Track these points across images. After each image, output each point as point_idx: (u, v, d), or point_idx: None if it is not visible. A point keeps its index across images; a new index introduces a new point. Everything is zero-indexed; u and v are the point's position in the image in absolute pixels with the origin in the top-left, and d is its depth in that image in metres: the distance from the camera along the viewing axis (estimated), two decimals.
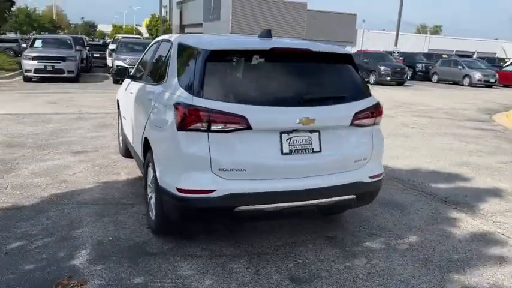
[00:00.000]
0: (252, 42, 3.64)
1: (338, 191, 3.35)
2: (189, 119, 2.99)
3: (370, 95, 3.60)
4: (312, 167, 3.26)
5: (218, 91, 3.09)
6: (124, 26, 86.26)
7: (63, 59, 15.56)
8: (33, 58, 15.30)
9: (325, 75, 3.51)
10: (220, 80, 3.17)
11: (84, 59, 19.70)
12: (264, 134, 3.10)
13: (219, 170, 3.03)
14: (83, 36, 32.13)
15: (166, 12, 55.81)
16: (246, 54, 3.22)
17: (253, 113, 3.02)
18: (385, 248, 3.71)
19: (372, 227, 4.15)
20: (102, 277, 3.05)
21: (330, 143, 3.31)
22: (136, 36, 37.37)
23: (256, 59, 3.20)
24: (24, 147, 6.50)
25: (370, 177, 3.55)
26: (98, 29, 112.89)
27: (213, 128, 2.98)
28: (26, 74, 15.39)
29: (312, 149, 3.24)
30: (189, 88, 3.14)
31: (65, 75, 15.61)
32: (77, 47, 17.38)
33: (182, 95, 3.14)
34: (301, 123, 3.12)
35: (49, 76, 15.39)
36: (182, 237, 3.71)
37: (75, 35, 29.84)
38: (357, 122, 3.39)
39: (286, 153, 3.15)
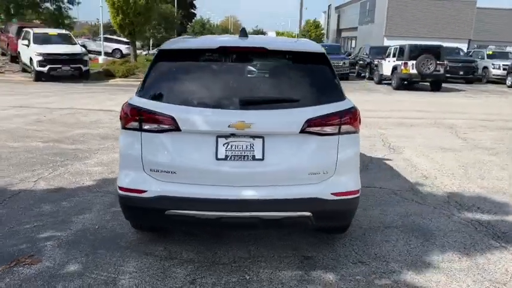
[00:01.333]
0: (209, 41, 3.53)
1: (285, 205, 2.97)
2: (126, 118, 3.04)
3: (341, 99, 3.10)
4: (251, 175, 2.96)
5: (157, 91, 3.06)
6: (285, 32, 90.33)
7: None
8: None
9: (280, 76, 3.17)
10: (163, 80, 3.12)
11: None
12: (197, 137, 2.95)
13: (150, 170, 3.00)
14: None
15: (327, 16, 56.51)
16: (195, 54, 3.11)
17: (181, 113, 2.90)
18: (360, 281, 3.14)
19: (367, 253, 3.55)
20: (54, 260, 3.30)
21: (276, 152, 2.96)
22: None
23: (206, 57, 3.08)
24: (114, 139, 7.35)
25: (334, 194, 3.05)
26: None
27: (144, 127, 2.96)
28: None
29: (253, 156, 2.94)
30: (139, 89, 3.19)
31: None
32: None
33: (133, 96, 3.19)
34: (234, 127, 2.86)
35: None
36: (160, 234, 3.77)
37: None
38: (310, 129, 2.95)
39: (221, 159, 2.93)
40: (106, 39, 31.93)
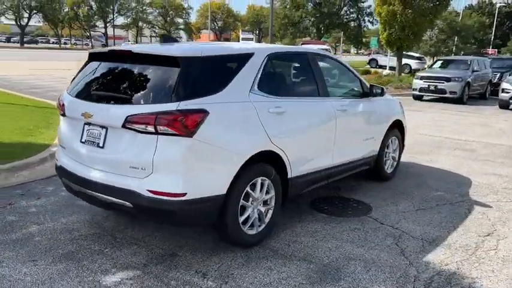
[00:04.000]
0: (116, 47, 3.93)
1: (112, 192, 3.22)
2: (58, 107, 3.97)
3: (171, 100, 3.04)
4: (95, 160, 3.36)
5: (72, 86, 3.81)
6: None
7: (448, 80, 15.52)
8: (421, 78, 16.20)
9: (131, 76, 3.37)
10: (77, 78, 3.84)
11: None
12: (73, 121, 3.57)
13: (60, 146, 3.85)
14: None
15: None
16: (101, 56, 3.75)
17: (65, 102, 3.63)
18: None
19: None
20: (19, 213, 4.53)
21: (111, 142, 3.26)
22: None
23: (103, 58, 3.69)
24: None
25: (150, 191, 3.06)
26: None
27: (60, 112, 3.84)
28: (413, 92, 16.54)
29: (98, 143, 3.34)
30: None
31: (446, 95, 15.56)
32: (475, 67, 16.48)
33: None
34: (83, 116, 3.37)
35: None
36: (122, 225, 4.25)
37: None
38: (129, 125, 3.08)
39: (82, 142, 3.48)
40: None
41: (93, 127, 3.41)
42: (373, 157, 5.35)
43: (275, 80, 4.04)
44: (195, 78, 3.23)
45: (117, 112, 3.21)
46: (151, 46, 3.91)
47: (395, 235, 4.04)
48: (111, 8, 71.27)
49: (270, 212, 3.82)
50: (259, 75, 3.68)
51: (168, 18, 77.35)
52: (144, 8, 75.29)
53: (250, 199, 3.59)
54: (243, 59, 3.64)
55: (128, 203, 3.19)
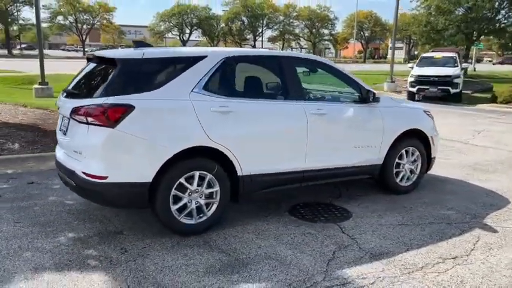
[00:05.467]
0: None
1: (66, 172, 3.88)
2: None
3: (107, 95, 3.58)
4: (62, 144, 4.10)
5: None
6: None
7: None
8: None
9: (90, 75, 3.97)
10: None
11: None
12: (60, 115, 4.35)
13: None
14: None
15: None
16: (87, 59, 4.47)
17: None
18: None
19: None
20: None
21: (69, 130, 3.91)
22: None
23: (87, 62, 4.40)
24: None
25: (83, 173, 3.62)
26: None
27: None
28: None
29: (65, 131, 4.03)
30: None
31: None
32: None
33: None
34: (58, 108, 4.11)
35: None
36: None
37: None
38: (72, 115, 3.70)
39: (60, 130, 4.21)
40: None
41: (64, 118, 4.12)
42: (375, 166, 5.06)
43: (227, 82, 4.25)
44: (129, 77, 3.70)
45: (68, 105, 3.87)
46: (111, 50, 4.48)
47: (342, 245, 3.87)
48: (261, 22, 75.81)
49: (215, 205, 4.04)
50: (207, 77, 3.96)
51: (314, 30, 78.86)
52: (291, 20, 78.14)
53: (188, 190, 3.88)
54: (191, 61, 3.97)
55: (73, 182, 3.80)
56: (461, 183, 5.95)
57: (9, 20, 57.34)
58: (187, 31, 74.24)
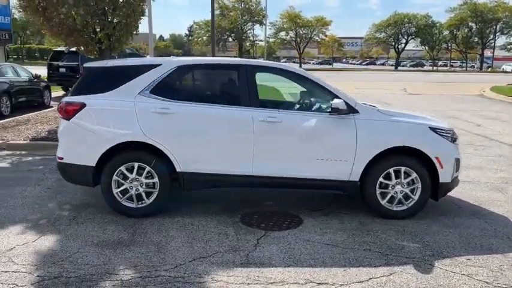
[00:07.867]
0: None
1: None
2: None
3: (71, 95, 4.61)
4: None
5: None
6: None
7: None
8: None
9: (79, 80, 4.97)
10: None
11: None
12: None
13: None
14: None
15: None
16: None
17: None
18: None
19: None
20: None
21: None
22: None
23: None
24: None
25: (58, 157, 4.71)
26: None
27: None
28: None
29: None
30: None
31: None
32: None
33: None
34: None
35: None
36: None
37: None
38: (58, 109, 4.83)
39: None
40: None
41: None
42: (347, 183, 4.62)
43: (175, 87, 4.71)
44: (90, 81, 4.65)
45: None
46: (100, 61, 5.32)
47: (237, 249, 3.91)
48: (493, 28, 67.15)
49: (155, 195, 4.60)
50: (156, 82, 4.57)
51: None
52: None
53: (129, 178, 4.57)
54: (146, 69, 4.64)
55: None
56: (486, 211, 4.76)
57: (243, 37, 66.73)
58: (403, 41, 71.74)
